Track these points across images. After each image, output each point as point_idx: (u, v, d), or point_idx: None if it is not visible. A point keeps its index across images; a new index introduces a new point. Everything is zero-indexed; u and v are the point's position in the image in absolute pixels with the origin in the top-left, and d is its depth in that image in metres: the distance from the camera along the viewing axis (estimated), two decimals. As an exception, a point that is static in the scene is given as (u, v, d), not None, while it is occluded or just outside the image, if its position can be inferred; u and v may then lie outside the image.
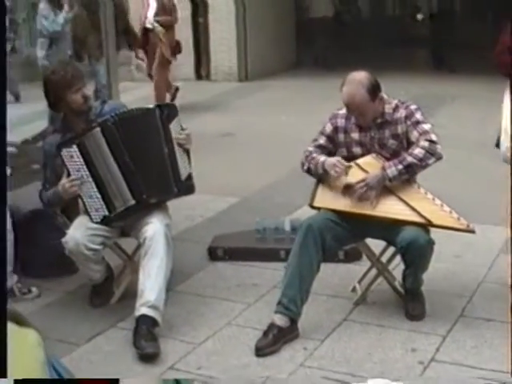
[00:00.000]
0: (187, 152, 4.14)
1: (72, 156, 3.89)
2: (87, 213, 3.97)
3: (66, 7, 7.37)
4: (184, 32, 12.54)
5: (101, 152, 3.91)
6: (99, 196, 3.93)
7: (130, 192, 3.94)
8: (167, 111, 4.03)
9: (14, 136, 5.80)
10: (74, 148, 3.89)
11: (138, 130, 3.95)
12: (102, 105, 4.18)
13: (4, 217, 1.72)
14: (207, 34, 12.54)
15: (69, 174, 3.95)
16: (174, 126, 4.02)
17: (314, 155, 3.96)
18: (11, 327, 1.62)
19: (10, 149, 5.20)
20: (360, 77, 3.86)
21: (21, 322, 1.66)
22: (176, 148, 4.02)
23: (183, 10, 12.47)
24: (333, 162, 3.86)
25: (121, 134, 3.91)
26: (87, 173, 3.92)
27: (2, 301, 1.61)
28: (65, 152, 3.90)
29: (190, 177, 4.14)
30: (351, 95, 3.81)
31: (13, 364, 1.57)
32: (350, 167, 3.84)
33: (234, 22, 12.29)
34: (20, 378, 1.56)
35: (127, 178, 3.94)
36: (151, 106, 4.06)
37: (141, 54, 9.51)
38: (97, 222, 3.95)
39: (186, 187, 4.10)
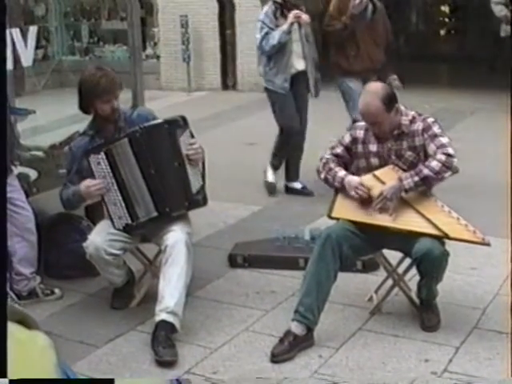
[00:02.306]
0: (203, 163, 4.17)
1: (99, 163, 3.97)
2: (110, 219, 4.05)
3: (289, 19, 5.95)
4: (211, 43, 12.68)
5: (127, 162, 3.99)
6: (123, 204, 4.00)
7: (153, 204, 4.01)
8: (175, 125, 4.04)
9: (41, 141, 5.92)
10: (102, 155, 3.96)
11: (155, 144, 4.00)
12: (132, 110, 4.23)
13: (4, 217, 1.75)
14: (234, 46, 12.65)
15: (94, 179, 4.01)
16: (184, 139, 4.04)
17: (332, 165, 4.01)
18: (21, 330, 1.63)
19: (37, 153, 5.31)
20: (376, 87, 3.93)
21: (29, 324, 1.67)
22: (186, 162, 4.04)
23: (211, 21, 12.63)
24: (354, 184, 3.89)
25: (146, 147, 3.97)
26: (113, 180, 3.99)
27: (1, 301, 1.63)
28: (92, 158, 3.97)
29: (202, 189, 4.15)
30: (366, 105, 3.88)
31: (26, 367, 1.57)
32: (369, 190, 3.88)
33: (261, 34, 12.38)
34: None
35: (151, 190, 4.00)
36: (160, 120, 4.08)
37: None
38: (118, 229, 4.03)
39: (197, 201, 4.11)
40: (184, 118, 4.09)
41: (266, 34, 6.03)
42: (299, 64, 6.24)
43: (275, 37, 5.97)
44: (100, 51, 14.09)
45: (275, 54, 6.07)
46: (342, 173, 3.97)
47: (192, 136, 4.10)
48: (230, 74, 12.87)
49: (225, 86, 12.93)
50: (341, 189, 3.97)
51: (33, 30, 5.13)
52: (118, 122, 4.11)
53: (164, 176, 4.01)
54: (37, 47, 5.44)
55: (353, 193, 3.89)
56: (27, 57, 4.98)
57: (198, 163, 4.13)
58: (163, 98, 11.11)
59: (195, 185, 4.09)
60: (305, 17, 6.05)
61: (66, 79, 13.92)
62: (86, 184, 4.01)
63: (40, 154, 5.32)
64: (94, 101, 4.03)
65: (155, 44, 13.45)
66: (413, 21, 19.02)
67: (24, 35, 4.98)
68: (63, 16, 14.44)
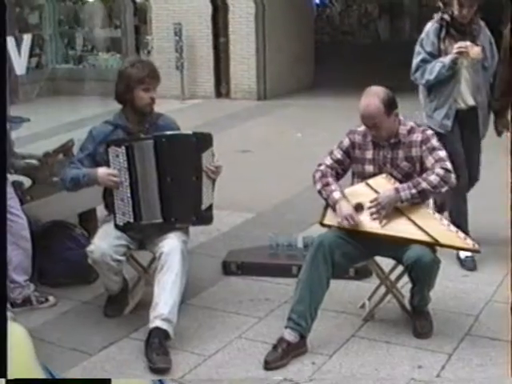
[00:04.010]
0: (213, 182, 4.18)
1: (118, 155, 3.97)
2: (113, 213, 4.05)
3: (453, 51, 4.59)
4: (205, 51, 12.73)
5: (146, 163, 3.99)
6: (130, 202, 4.01)
7: (160, 210, 4.02)
8: (202, 140, 4.08)
9: (35, 149, 5.93)
10: (123, 149, 3.97)
11: (177, 154, 4.01)
12: (157, 116, 4.24)
13: (4, 219, 1.78)
14: (228, 53, 12.70)
15: None
16: (206, 156, 4.06)
17: (330, 180, 4.00)
18: None
19: (31, 161, 5.32)
20: (377, 89, 3.94)
21: None
22: (204, 178, 4.06)
23: (204, 29, 12.68)
24: (345, 213, 3.86)
25: (169, 154, 3.99)
26: (126, 176, 3.99)
27: (1, 301, 1.65)
28: (112, 149, 3.98)
29: (210, 207, 4.16)
30: (367, 106, 3.88)
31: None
32: (357, 225, 3.86)
33: (254, 42, 12.44)
34: (13, 368, 1.59)
35: (162, 197, 4.01)
36: (190, 132, 4.11)
37: None
38: (118, 225, 4.02)
39: (205, 218, 4.14)
40: (211, 137, 4.14)
41: (422, 61, 4.77)
42: (469, 97, 4.84)
43: (433, 71, 4.69)
44: (94, 59, 14.12)
45: (437, 83, 4.77)
46: (337, 195, 3.94)
47: (213, 155, 4.14)
48: (223, 82, 12.92)
49: (218, 93, 12.98)
50: (333, 208, 3.97)
51: (27, 39, 5.15)
52: (144, 123, 4.13)
53: (179, 186, 4.02)
54: (31, 55, 5.46)
55: (339, 220, 3.88)
56: (21, 65, 5.00)
57: (214, 181, 4.16)
58: (157, 105, 11.04)
59: (206, 202, 4.10)
60: (474, 51, 4.57)
61: (59, 87, 13.95)
62: (105, 171, 4.00)
63: (34, 162, 5.33)
64: (135, 86, 4.04)
65: (149, 52, 13.48)
66: (406, 29, 19.14)
67: (18, 43, 5.00)
68: (57, 24, 14.47)
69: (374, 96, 3.88)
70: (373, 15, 19.45)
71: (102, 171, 4.02)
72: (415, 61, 4.81)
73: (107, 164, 4.01)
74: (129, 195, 4.00)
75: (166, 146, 3.99)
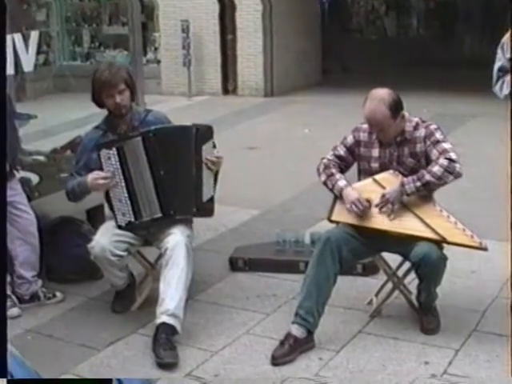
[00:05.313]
0: (215, 174, 4.19)
1: (110, 158, 4.00)
2: (113, 215, 4.07)
3: None
4: (212, 47, 12.73)
5: (138, 161, 4.01)
6: (129, 202, 4.02)
7: (158, 205, 4.03)
8: (203, 132, 4.08)
9: (43, 145, 5.94)
10: (114, 151, 3.99)
11: (172, 146, 4.02)
12: (146, 113, 4.25)
13: (4, 217, 1.77)
14: (235, 51, 12.70)
15: None
16: (206, 148, 4.06)
17: (333, 170, 4.01)
18: None
19: (38, 157, 5.34)
20: (382, 93, 3.88)
21: None
22: (204, 169, 4.06)
23: (211, 26, 12.68)
24: (352, 198, 3.88)
25: (159, 148, 3.99)
26: (121, 177, 4.01)
27: (1, 301, 1.65)
28: (104, 152, 4.00)
29: (211, 199, 4.17)
30: (372, 111, 3.85)
31: None
32: (368, 208, 3.88)
33: (261, 39, 12.44)
34: None
35: (158, 191, 4.02)
36: (189, 124, 4.10)
37: None
38: (120, 226, 4.04)
39: (205, 209, 4.13)
40: (211, 129, 4.14)
41: (501, 70, 4.13)
42: None
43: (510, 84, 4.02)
44: (101, 56, 14.10)
45: None
46: (342, 182, 3.96)
47: (214, 147, 4.14)
48: (230, 79, 12.92)
49: (225, 90, 12.98)
50: (339, 196, 3.98)
51: (34, 35, 5.15)
52: (132, 121, 4.14)
53: (174, 178, 4.02)
54: (38, 52, 5.45)
55: (348, 206, 3.89)
56: (28, 62, 5.01)
57: (216, 173, 4.16)
58: (164, 102, 11.13)
59: (207, 194, 4.10)
60: None
61: (67, 84, 13.97)
62: (94, 176, 4.03)
63: (42, 158, 5.35)
64: (99, 95, 4.07)
65: (156, 49, 13.50)
66: (413, 26, 19.11)
67: (25, 40, 5.00)
68: (64, 21, 14.47)
69: (379, 101, 3.83)
70: (379, 12, 19.41)
71: (90, 177, 4.04)
72: (494, 68, 4.18)
73: (101, 169, 4.03)
74: (126, 195, 4.02)
75: (155, 140, 3.99)
